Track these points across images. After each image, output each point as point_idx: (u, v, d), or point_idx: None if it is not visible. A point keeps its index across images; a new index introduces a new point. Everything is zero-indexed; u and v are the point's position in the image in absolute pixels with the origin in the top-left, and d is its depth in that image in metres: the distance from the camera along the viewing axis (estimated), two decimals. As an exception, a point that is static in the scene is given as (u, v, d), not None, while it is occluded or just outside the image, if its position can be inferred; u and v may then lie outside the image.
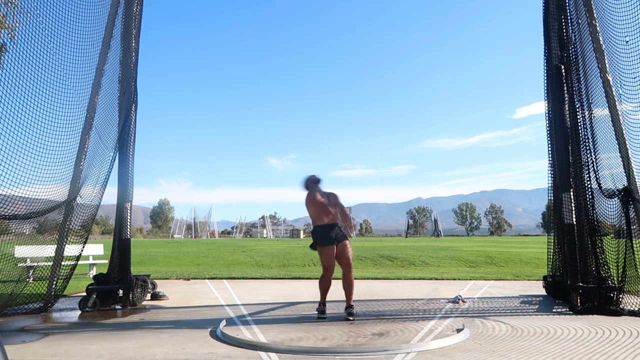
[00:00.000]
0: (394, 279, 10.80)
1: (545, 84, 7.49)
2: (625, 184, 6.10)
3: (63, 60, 5.84)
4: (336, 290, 5.85)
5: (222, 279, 11.01)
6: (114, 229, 7.13)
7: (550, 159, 7.56)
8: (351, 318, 5.58)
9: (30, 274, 8.38)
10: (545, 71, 7.45)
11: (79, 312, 6.42)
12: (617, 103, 6.22)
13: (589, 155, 6.47)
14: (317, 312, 5.77)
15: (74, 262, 6.93)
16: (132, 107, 7.26)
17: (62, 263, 6.81)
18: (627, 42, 5.67)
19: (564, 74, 7.04)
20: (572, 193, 6.80)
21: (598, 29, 6.39)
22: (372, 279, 10.82)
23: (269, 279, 11.02)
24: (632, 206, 6.04)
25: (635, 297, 6.00)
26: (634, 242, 5.97)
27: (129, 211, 7.15)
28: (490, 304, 6.89)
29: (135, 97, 7.34)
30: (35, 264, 8.50)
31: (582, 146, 6.62)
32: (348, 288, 5.76)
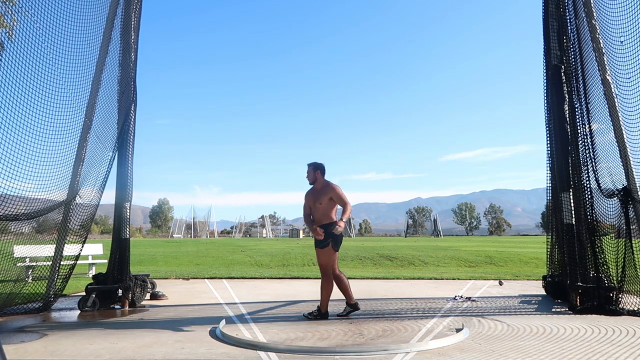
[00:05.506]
0: (393, 278, 10.81)
1: (545, 84, 7.50)
2: (625, 183, 6.11)
3: (62, 60, 5.84)
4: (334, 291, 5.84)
5: (221, 278, 11.01)
6: (113, 228, 7.12)
7: (550, 158, 7.57)
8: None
9: (29, 273, 8.38)
10: (544, 71, 7.46)
11: (78, 311, 6.42)
12: (616, 102, 6.23)
13: (588, 155, 6.48)
14: (317, 316, 5.69)
15: (73, 262, 6.93)
16: (131, 106, 7.25)
17: (61, 262, 6.80)
18: (621, 42, 5.68)
19: (563, 73, 7.04)
20: (571, 193, 6.80)
21: (597, 28, 6.39)
22: (371, 278, 10.83)
23: (268, 278, 11.03)
24: (631, 206, 6.04)
25: (635, 296, 6.00)
26: (633, 242, 5.98)
27: (128, 211, 7.14)
28: (489, 304, 6.89)
29: (135, 97, 7.33)
30: (35, 263, 8.49)
31: (581, 146, 6.63)
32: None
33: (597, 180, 6.36)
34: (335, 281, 5.77)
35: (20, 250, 7.24)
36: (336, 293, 5.83)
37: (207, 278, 11.05)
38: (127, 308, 6.69)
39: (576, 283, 6.33)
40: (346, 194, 5.77)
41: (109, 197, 7.24)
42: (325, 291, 5.69)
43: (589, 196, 6.46)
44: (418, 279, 10.76)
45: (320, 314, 5.67)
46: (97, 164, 6.84)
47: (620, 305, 5.95)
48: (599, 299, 6.00)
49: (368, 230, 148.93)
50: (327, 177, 5.92)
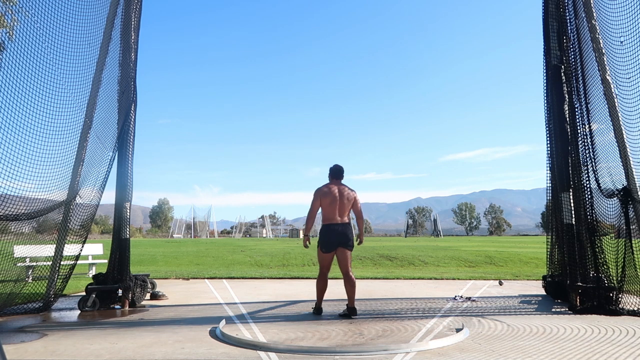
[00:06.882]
0: (393, 278, 10.81)
1: (545, 84, 7.50)
2: (625, 183, 6.11)
3: (62, 60, 5.84)
4: (335, 289, 5.85)
5: (221, 278, 11.01)
6: (113, 228, 7.12)
7: (550, 158, 7.57)
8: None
9: (29, 273, 8.38)
10: (544, 71, 7.46)
11: (79, 311, 6.42)
12: (616, 102, 6.23)
13: (588, 155, 6.48)
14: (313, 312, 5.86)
15: (73, 262, 6.93)
16: (131, 106, 7.25)
17: (62, 262, 6.80)
18: (621, 42, 5.68)
19: (563, 73, 7.05)
20: (571, 193, 6.80)
21: (597, 29, 6.39)
22: (371, 278, 10.83)
23: (268, 278, 11.03)
24: (631, 206, 6.04)
25: (635, 296, 6.01)
26: (633, 242, 5.98)
27: (128, 211, 7.14)
28: (489, 304, 6.89)
29: (135, 97, 7.33)
30: (35, 263, 8.49)
31: (581, 146, 6.63)
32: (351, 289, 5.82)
33: (597, 180, 6.37)
34: (344, 279, 5.89)
35: (20, 250, 7.24)
36: (338, 293, 5.84)
37: (207, 278, 11.04)
38: (127, 308, 6.69)
39: (576, 283, 6.34)
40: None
41: (109, 197, 7.25)
42: (317, 288, 5.96)
43: (589, 196, 6.46)
44: (418, 279, 10.76)
45: (315, 308, 5.93)
46: (97, 164, 6.84)
47: (620, 305, 5.95)
48: (599, 299, 6.00)
49: (368, 230, 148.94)
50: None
